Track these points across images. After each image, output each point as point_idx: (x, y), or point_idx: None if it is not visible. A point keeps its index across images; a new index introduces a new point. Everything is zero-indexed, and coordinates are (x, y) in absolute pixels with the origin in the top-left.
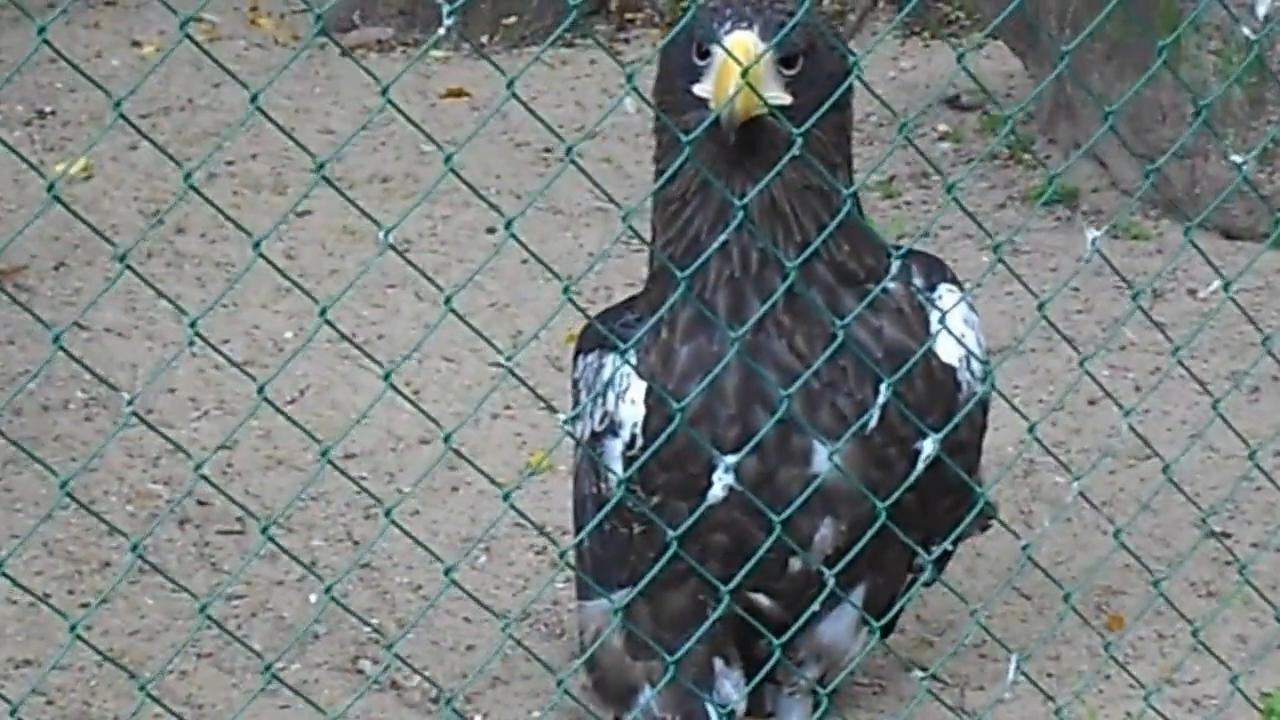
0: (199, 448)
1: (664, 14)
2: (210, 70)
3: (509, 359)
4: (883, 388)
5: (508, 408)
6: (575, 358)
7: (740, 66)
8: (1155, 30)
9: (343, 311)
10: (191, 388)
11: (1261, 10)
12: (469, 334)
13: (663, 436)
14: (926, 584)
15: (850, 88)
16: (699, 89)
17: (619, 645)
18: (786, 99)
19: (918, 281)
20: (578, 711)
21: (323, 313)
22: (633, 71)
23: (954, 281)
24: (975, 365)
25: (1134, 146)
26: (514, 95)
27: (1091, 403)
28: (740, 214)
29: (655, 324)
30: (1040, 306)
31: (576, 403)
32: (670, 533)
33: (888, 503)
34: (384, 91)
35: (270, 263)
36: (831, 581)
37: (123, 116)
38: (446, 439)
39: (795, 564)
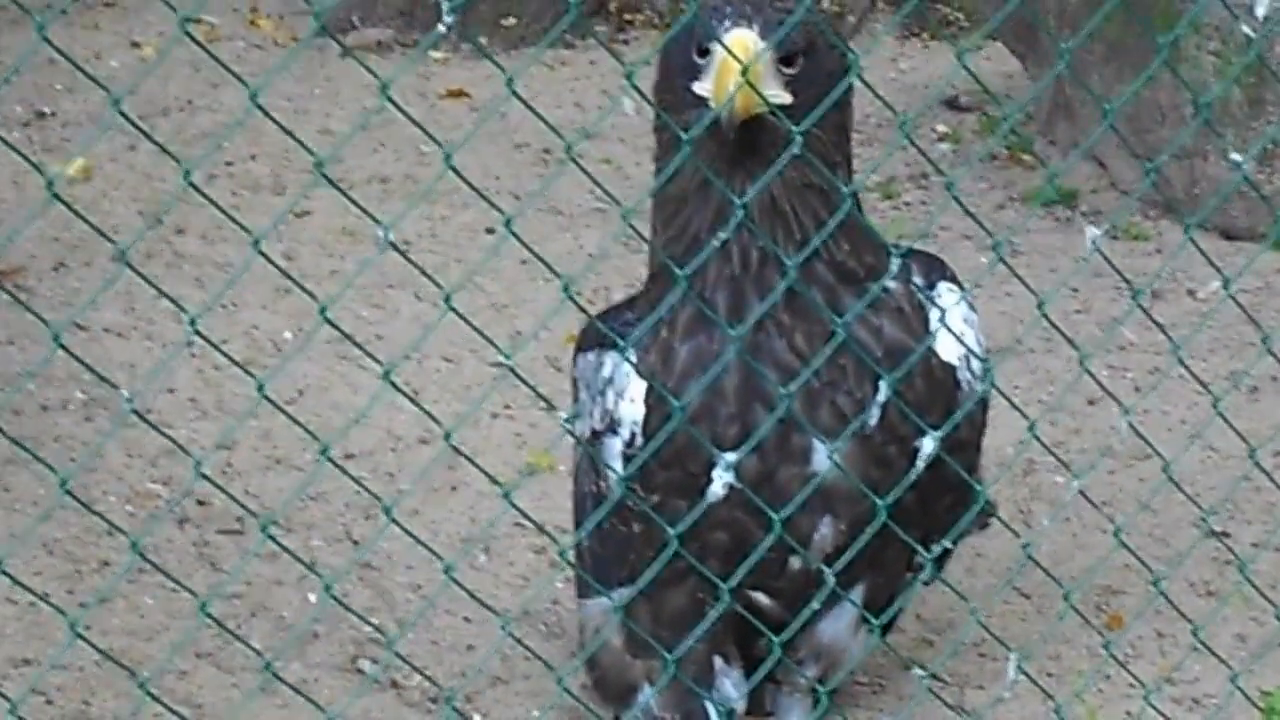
0: (198, 447)
1: (663, 15)
2: (209, 71)
3: (509, 358)
4: (882, 386)
5: (507, 407)
6: (575, 356)
7: (740, 65)
8: (1154, 30)
9: (342, 312)
10: (191, 388)
11: (1260, 10)
12: (468, 334)
13: (662, 435)
14: (926, 583)
15: (850, 86)
16: (699, 87)
17: (619, 644)
18: (786, 97)
19: (918, 280)
20: (577, 710)
21: (323, 311)
22: (632, 71)
23: (954, 280)
24: (975, 364)
25: (1133, 147)
26: (514, 93)
27: (1091, 402)
28: (740, 213)
29: (655, 323)
30: (1040, 306)
31: (576, 401)
32: (670, 531)
33: (887, 501)
34: (384, 89)
35: (271, 261)
36: (831, 580)
37: (122, 114)
38: (447, 437)
39: (795, 562)
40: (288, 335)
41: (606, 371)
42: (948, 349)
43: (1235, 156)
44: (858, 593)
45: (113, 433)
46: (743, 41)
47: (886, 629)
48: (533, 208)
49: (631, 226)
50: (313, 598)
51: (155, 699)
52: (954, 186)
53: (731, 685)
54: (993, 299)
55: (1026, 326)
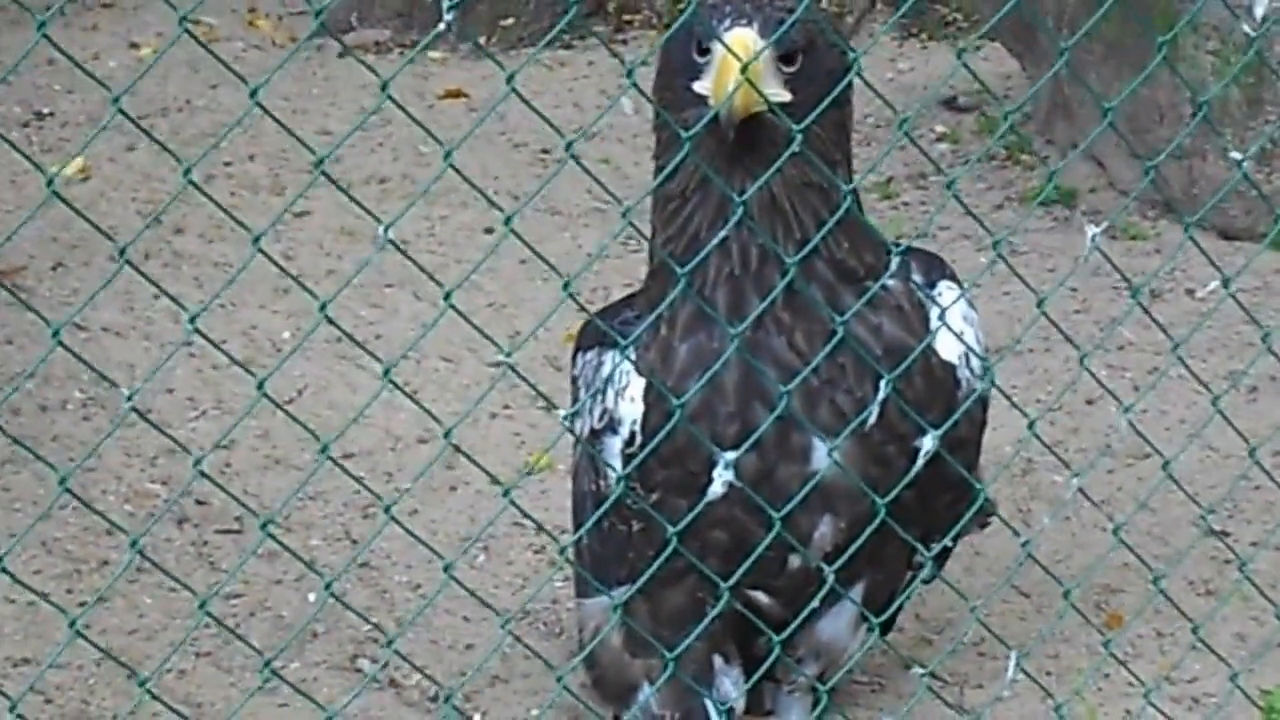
0: (197, 447)
1: (662, 14)
2: (207, 71)
3: (508, 357)
4: (882, 384)
5: (506, 407)
6: (574, 355)
7: (740, 63)
8: (1153, 30)
9: (341, 311)
10: (190, 387)
11: (1259, 10)
12: (467, 333)
13: (662, 433)
14: (926, 581)
15: (850, 85)
16: (699, 86)
17: (618, 643)
18: (786, 96)
19: (917, 278)
20: (577, 709)
21: (322, 310)
22: (632, 70)
23: (953, 279)
24: (974, 362)
25: (1132, 146)
26: (514, 91)
27: (1090, 401)
28: (740, 211)
29: (655, 321)
30: (1039, 304)
31: (576, 400)
32: (670, 529)
33: (887, 500)
34: (384, 87)
35: (270, 259)
36: (831, 578)
37: (122, 113)
38: (446, 436)
39: (794, 561)
40: (286, 334)
41: (606, 370)
42: (947, 347)
43: (1234, 156)
44: (857, 591)
45: (112, 432)
46: (742, 40)
47: (886, 627)
48: (532, 207)
49: (632, 225)
50: (312, 597)
51: (155, 698)
52: (954, 186)
53: (731, 684)
54: (992, 298)
55: (1025, 325)
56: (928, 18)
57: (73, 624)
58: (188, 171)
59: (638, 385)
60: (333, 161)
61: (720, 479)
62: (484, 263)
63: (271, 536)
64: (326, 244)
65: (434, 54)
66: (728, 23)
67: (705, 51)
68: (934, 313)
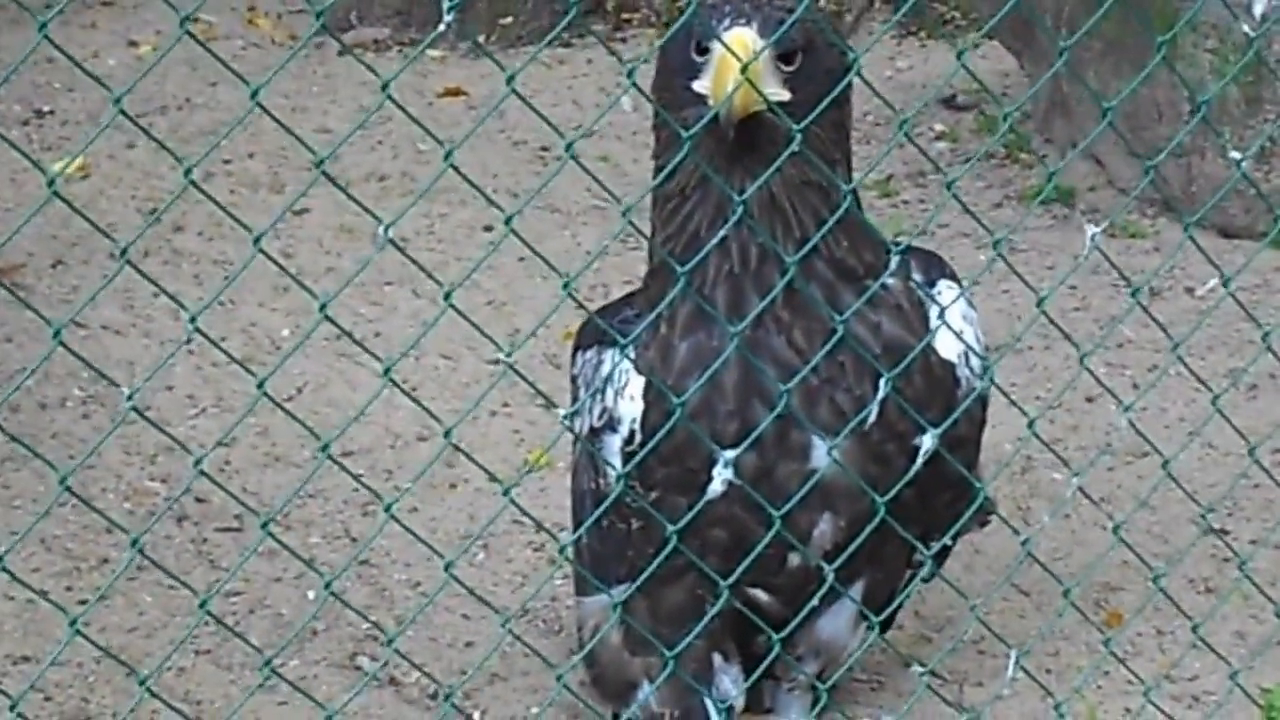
0: (197, 445)
1: (660, 13)
2: (206, 69)
3: (508, 355)
4: (882, 383)
5: (506, 405)
6: (574, 354)
7: (739, 63)
8: (1152, 29)
9: (340, 309)
10: (189, 385)
11: (1258, 9)
12: (467, 331)
13: (662, 432)
14: (925, 579)
15: (849, 84)
16: (698, 85)
17: (618, 641)
18: (785, 95)
19: (917, 277)
20: (576, 707)
21: (322, 309)
22: (632, 69)
23: (953, 277)
24: (974, 361)
25: (1131, 145)
26: (514, 91)
27: (1089, 400)
28: (739, 210)
29: (654, 319)
30: (1039, 303)
31: (575, 399)
32: (669, 528)
33: (886, 498)
34: (384, 87)
35: (270, 258)
36: (830, 577)
37: (123, 113)
38: (446, 434)
39: (794, 559)
40: (286, 332)
41: (606, 369)
42: (947, 346)
43: (1233, 154)
44: (857, 589)
45: (111, 430)
46: (741, 39)
47: (885, 626)
48: (531, 205)
49: (631, 224)
50: (311, 595)
51: (154, 696)
52: (953, 185)
53: (730, 682)
54: (991, 296)
55: (1025, 324)
56: (926, 16)
57: (73, 622)
58: (188, 172)
59: (637, 384)
60: (332, 160)
61: (720, 477)
62: (484, 261)
63: (271, 535)
64: (326, 242)
65: (433, 52)
66: (727, 22)
67: (704, 51)
68: (933, 311)
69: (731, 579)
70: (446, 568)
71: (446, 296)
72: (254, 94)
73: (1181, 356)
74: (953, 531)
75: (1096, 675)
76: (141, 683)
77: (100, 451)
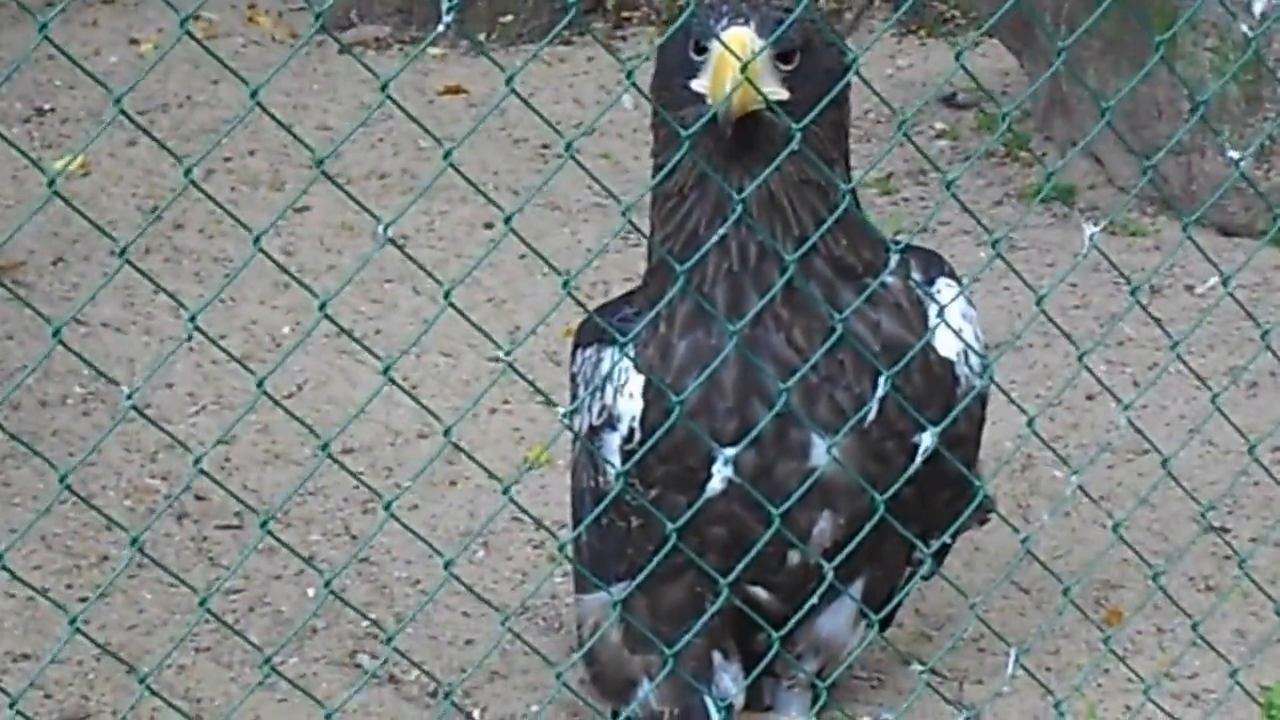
0: (197, 443)
1: (660, 11)
2: (207, 67)
3: (508, 353)
4: (881, 381)
5: (506, 402)
6: (573, 352)
7: (738, 62)
8: (1152, 27)
9: (340, 307)
10: (189, 383)
11: (1258, 7)
12: (467, 329)
13: (661, 430)
14: (925, 577)
15: (848, 83)
16: (696, 84)
17: (617, 639)
18: (784, 94)
19: (916, 276)
20: (576, 705)
21: (322, 307)
22: (632, 68)
23: (952, 276)
24: (973, 359)
25: (1130, 143)
26: (513, 91)
27: (1089, 398)
28: (738, 208)
29: (654, 318)
30: (1039, 301)
31: (575, 396)
32: (669, 526)
33: (886, 496)
34: (384, 86)
35: (270, 257)
36: (830, 575)
37: (123, 112)
38: (446, 433)
39: (794, 557)
40: (286, 330)
41: (605, 367)
42: (946, 344)
43: (1232, 153)
44: (856, 587)
45: (112, 428)
46: (740, 39)
47: (885, 623)
48: (531, 203)
49: (631, 222)
50: (311, 592)
51: (154, 693)
52: (953, 184)
53: (730, 680)
54: (991, 294)
55: (1025, 322)
56: (926, 14)
57: (73, 620)
58: (189, 171)
59: (637, 382)
60: (333, 157)
61: (719, 475)
62: (484, 259)
63: (270, 533)
64: (326, 239)
65: (434, 50)
66: (725, 21)
67: (703, 50)
68: (933, 310)
69: (731, 577)
70: (446, 565)
71: (446, 294)
72: (254, 93)
73: (1181, 354)
74: (952, 529)
75: (1096, 673)
76: (141, 680)
77: (100, 449)
